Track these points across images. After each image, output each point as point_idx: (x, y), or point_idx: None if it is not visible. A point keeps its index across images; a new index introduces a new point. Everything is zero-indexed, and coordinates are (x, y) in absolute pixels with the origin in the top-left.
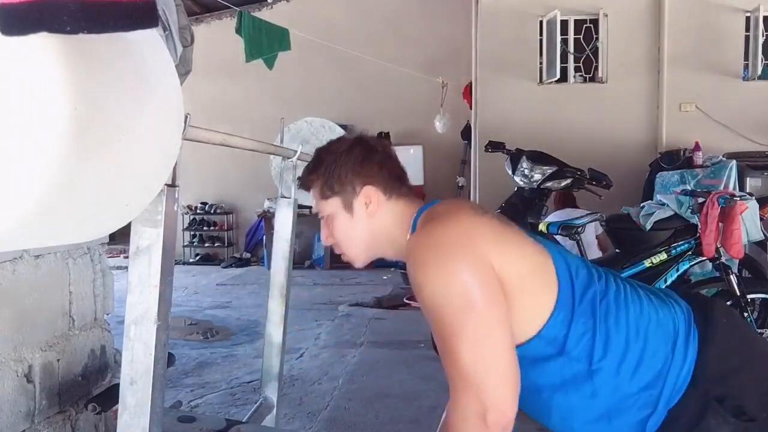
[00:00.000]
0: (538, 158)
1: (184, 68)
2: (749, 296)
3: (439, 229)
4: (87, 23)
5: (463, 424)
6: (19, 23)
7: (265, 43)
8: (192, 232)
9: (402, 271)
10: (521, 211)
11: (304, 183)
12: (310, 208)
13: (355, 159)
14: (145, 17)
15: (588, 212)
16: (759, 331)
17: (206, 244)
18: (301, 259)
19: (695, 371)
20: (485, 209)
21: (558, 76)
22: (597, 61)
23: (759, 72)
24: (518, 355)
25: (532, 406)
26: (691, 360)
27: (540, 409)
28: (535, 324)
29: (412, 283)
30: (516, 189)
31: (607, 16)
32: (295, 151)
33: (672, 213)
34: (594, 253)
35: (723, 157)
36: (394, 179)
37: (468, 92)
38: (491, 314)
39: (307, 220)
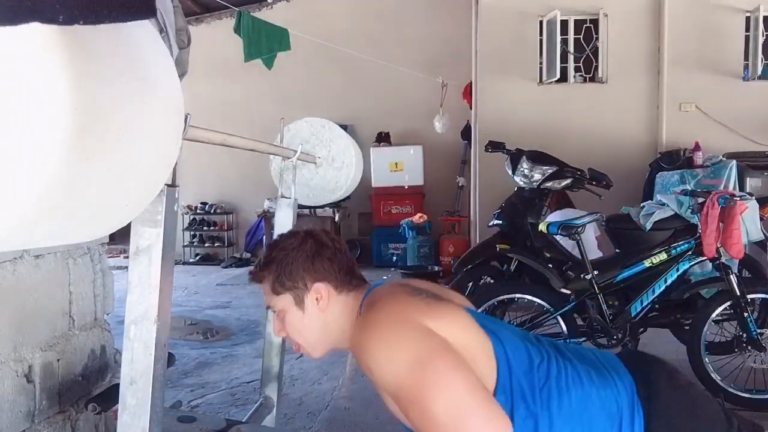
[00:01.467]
0: (538, 158)
1: (180, 70)
2: (749, 296)
3: (372, 317)
4: (81, 12)
5: None
6: (10, 13)
7: (265, 42)
8: (192, 232)
9: (402, 270)
10: (521, 211)
11: (256, 278)
12: (310, 208)
13: (305, 255)
14: (142, 7)
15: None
16: (759, 331)
17: (206, 244)
18: None
19: None
20: (423, 290)
21: (558, 76)
22: (597, 61)
23: (759, 72)
24: None
25: None
26: None
27: None
28: None
29: (367, 374)
30: (516, 189)
31: (607, 16)
32: (295, 151)
33: (672, 213)
34: (594, 253)
35: (723, 157)
36: (344, 273)
37: (468, 92)
38: (447, 361)
39: (307, 220)
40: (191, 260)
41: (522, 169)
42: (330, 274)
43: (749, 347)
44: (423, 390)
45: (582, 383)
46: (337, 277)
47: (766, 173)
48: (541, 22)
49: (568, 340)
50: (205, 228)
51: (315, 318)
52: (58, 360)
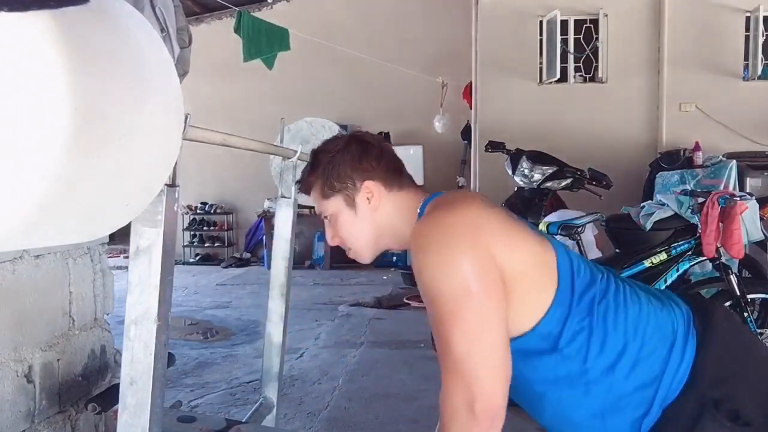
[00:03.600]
0: (538, 158)
1: (181, 69)
2: (749, 296)
3: (443, 217)
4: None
5: (452, 412)
6: None
7: (265, 42)
8: (192, 232)
9: (402, 270)
10: (521, 211)
11: (304, 185)
12: (310, 208)
13: (352, 156)
14: None
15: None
16: (759, 331)
17: (206, 244)
18: (301, 259)
19: (692, 374)
20: (493, 203)
21: (558, 76)
22: (597, 61)
23: (759, 72)
24: (512, 348)
25: (525, 399)
26: (688, 362)
27: (533, 402)
28: (532, 319)
29: (413, 267)
30: (516, 189)
31: (607, 16)
32: (295, 151)
33: (672, 213)
34: (594, 253)
35: (723, 157)
36: (392, 172)
37: (468, 92)
38: (488, 305)
39: (307, 220)
40: (191, 260)
41: (522, 169)
42: (378, 173)
43: None
44: (454, 317)
45: (640, 302)
46: (385, 175)
47: (766, 173)
48: (541, 22)
49: None
50: (205, 228)
51: (367, 217)
52: (58, 360)
